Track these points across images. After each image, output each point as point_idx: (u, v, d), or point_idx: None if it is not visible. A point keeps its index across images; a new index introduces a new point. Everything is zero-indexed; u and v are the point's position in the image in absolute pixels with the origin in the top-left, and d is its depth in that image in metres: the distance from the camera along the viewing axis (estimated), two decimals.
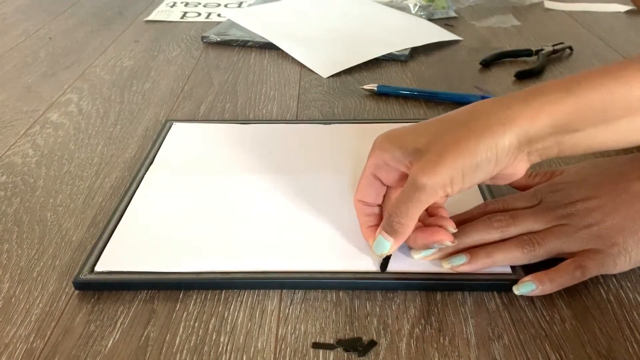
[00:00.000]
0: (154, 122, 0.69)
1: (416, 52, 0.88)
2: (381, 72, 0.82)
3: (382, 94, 0.74)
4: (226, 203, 0.52)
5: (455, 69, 0.83)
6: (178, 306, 0.43)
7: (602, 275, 0.44)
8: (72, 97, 0.76)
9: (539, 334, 0.40)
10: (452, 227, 0.44)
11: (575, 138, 0.40)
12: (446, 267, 0.44)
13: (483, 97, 0.69)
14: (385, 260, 0.45)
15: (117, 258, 0.46)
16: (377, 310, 0.42)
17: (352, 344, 0.39)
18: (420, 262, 0.45)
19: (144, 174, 0.56)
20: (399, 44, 0.87)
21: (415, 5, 1.04)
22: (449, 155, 0.40)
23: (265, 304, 0.43)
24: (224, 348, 0.39)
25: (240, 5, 1.13)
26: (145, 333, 0.41)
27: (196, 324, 0.41)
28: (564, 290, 0.43)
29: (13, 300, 0.44)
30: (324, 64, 0.83)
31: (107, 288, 0.44)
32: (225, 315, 0.42)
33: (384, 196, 0.47)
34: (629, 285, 0.44)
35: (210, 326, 0.41)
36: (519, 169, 0.42)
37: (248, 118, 0.70)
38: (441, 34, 0.93)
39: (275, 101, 0.74)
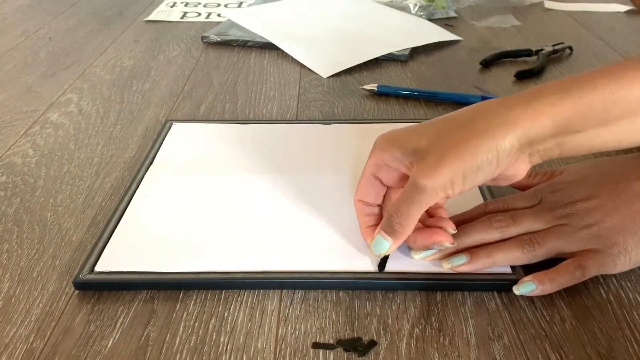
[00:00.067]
0: (154, 122, 0.69)
1: (416, 52, 0.88)
2: (381, 72, 0.82)
3: (382, 94, 0.74)
4: (226, 203, 0.52)
5: (455, 69, 0.83)
6: (178, 306, 0.43)
7: (602, 275, 0.44)
8: (72, 97, 0.76)
9: (539, 334, 0.40)
10: (451, 229, 0.44)
11: (577, 139, 0.40)
12: (446, 267, 0.44)
13: (483, 97, 0.70)
14: (383, 260, 0.45)
15: (117, 258, 0.46)
16: (377, 310, 0.42)
17: (352, 344, 0.39)
18: (420, 262, 0.45)
19: (144, 174, 0.56)
20: (399, 44, 0.87)
21: (415, 5, 1.04)
22: (449, 157, 0.40)
23: (265, 304, 0.43)
24: (224, 348, 0.39)
25: (240, 5, 1.13)
26: (145, 333, 0.41)
27: (196, 324, 0.41)
28: (564, 290, 0.43)
29: (13, 300, 0.44)
30: (324, 64, 0.83)
31: (107, 288, 0.44)
32: (225, 315, 0.42)
33: (384, 196, 0.47)
34: (629, 285, 0.44)
35: (210, 326, 0.41)
36: (520, 170, 0.42)
37: (248, 118, 0.70)
38: (441, 34, 0.93)
39: (275, 101, 0.74)
